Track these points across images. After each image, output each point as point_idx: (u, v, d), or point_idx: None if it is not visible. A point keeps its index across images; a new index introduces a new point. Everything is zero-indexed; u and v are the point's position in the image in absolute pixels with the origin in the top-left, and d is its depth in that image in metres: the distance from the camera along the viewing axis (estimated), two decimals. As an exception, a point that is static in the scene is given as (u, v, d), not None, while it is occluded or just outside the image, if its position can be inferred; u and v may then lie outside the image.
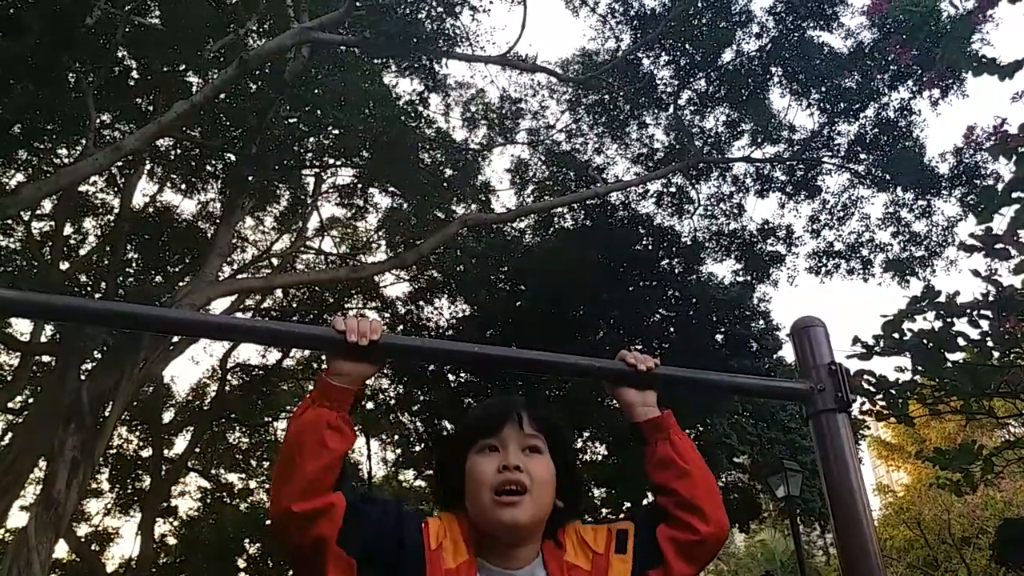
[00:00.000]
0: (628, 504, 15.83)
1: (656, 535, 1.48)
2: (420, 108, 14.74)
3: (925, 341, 4.86)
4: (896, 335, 4.94)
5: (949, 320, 4.85)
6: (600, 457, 18.06)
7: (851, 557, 1.47)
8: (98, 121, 11.62)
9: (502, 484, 1.42)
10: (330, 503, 1.33)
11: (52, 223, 15.28)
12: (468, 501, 1.46)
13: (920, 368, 5.05)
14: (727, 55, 15.33)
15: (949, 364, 4.96)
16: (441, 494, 1.55)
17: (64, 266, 15.08)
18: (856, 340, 5.14)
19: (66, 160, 13.48)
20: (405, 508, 1.48)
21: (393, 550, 1.37)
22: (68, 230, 15.80)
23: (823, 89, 15.12)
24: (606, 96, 16.30)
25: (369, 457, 19.72)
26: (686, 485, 1.50)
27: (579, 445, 18.25)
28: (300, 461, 1.33)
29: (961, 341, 4.84)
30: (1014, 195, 4.31)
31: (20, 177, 13.50)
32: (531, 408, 1.53)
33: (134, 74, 12.51)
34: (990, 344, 4.85)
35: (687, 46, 15.12)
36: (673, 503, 1.50)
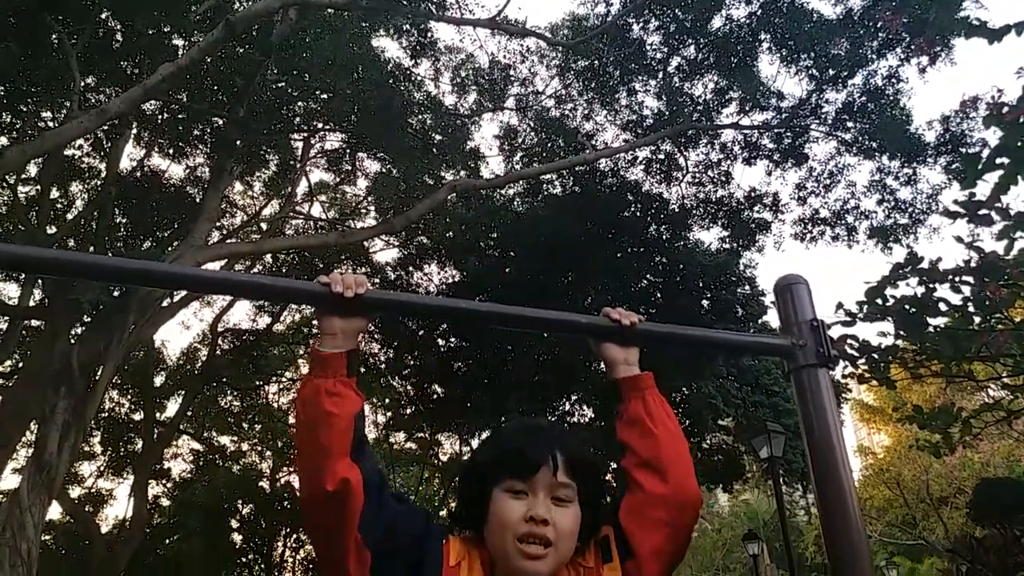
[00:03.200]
0: (613, 464, 16.07)
1: (620, 518, 1.46)
2: (409, 71, 14.63)
3: (908, 307, 4.95)
4: (879, 301, 5.04)
5: (931, 286, 4.94)
6: (587, 419, 18.30)
7: (830, 509, 1.47)
8: (83, 84, 11.48)
9: (527, 535, 1.37)
10: (345, 478, 1.31)
11: (38, 187, 15.14)
12: (488, 537, 1.42)
13: (902, 333, 5.15)
14: (717, 21, 15.25)
15: (931, 329, 5.06)
16: (460, 518, 1.50)
17: (51, 230, 14.98)
18: (840, 306, 5.24)
19: (51, 123, 13.33)
20: (433, 519, 1.46)
21: (413, 553, 1.37)
22: (55, 194, 15.68)
23: (812, 56, 15.08)
24: (595, 62, 16.20)
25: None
26: (649, 446, 1.49)
27: (567, 408, 18.48)
28: (311, 436, 1.34)
29: (943, 306, 4.94)
30: (998, 161, 4.38)
31: (4, 140, 13.35)
32: (567, 449, 1.45)
33: (118, 36, 12.30)
34: (971, 309, 4.94)
35: (677, 11, 15.01)
36: (633, 463, 1.49)
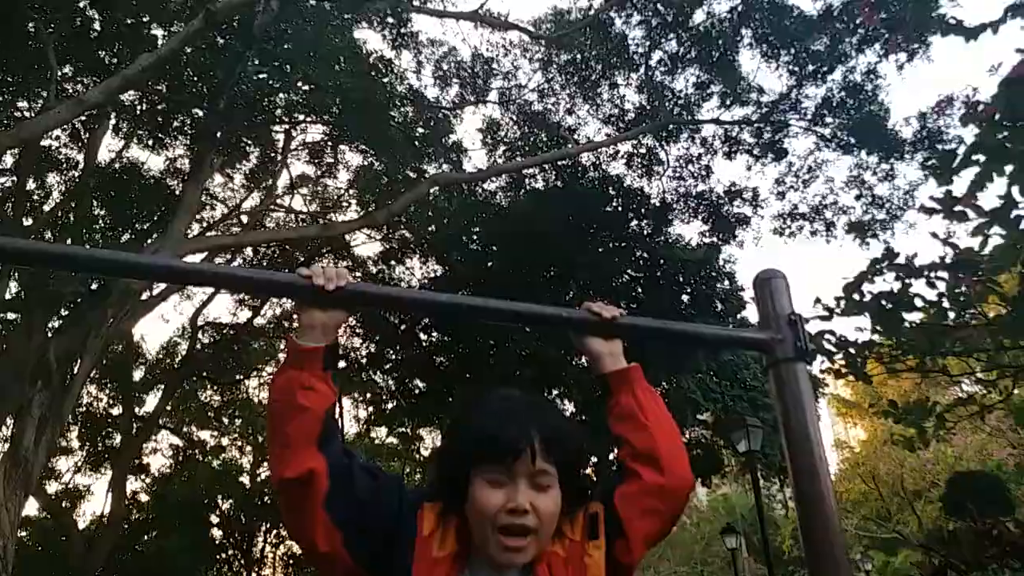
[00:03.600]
0: (595, 459, 16.17)
1: (614, 502, 1.45)
2: (391, 63, 14.57)
3: (884, 302, 5.00)
4: (856, 296, 5.09)
5: (907, 281, 4.98)
6: (568, 414, 18.36)
7: (807, 502, 1.48)
8: (60, 73, 11.34)
9: (508, 526, 1.35)
10: (310, 468, 1.33)
11: (14, 178, 14.92)
12: (469, 517, 1.40)
13: (879, 328, 5.20)
14: (698, 16, 15.36)
15: (906, 324, 5.12)
16: (440, 499, 1.46)
17: (28, 222, 14.77)
18: (817, 301, 5.28)
19: (27, 113, 13.14)
20: (406, 489, 1.45)
21: (386, 525, 1.38)
22: (31, 185, 15.46)
23: (792, 51, 15.21)
24: (578, 56, 16.23)
25: (341, 415, 19.81)
26: (643, 438, 1.49)
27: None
28: (280, 425, 1.37)
29: (918, 302, 4.98)
30: (973, 158, 4.43)
31: (-22, 130, 13.15)
32: (544, 429, 1.40)
33: (97, 26, 12.15)
34: (946, 305, 4.98)
35: (659, 6, 15.08)
36: (628, 454, 1.49)
